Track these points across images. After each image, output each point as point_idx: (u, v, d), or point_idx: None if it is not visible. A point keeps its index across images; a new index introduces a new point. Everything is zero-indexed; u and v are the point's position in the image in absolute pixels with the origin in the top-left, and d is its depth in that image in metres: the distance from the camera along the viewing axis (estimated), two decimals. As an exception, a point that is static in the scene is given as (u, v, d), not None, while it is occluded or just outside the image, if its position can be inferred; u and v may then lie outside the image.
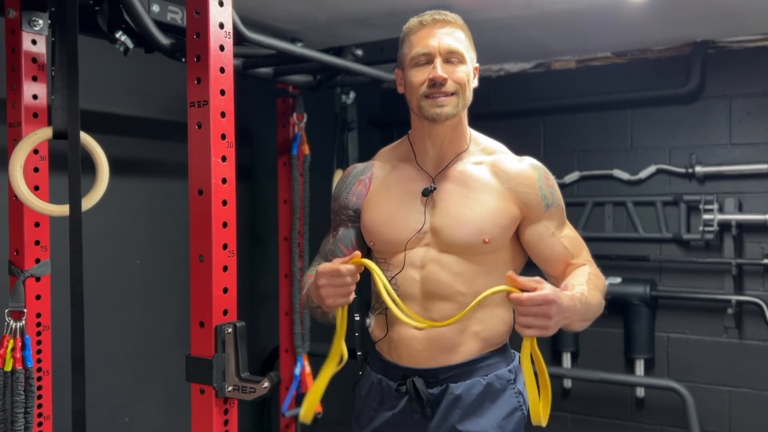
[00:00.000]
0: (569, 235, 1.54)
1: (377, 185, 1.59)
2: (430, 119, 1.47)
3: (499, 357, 1.53)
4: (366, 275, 1.42)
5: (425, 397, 1.48)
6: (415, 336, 1.50)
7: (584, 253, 1.54)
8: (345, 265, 1.35)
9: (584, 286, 1.41)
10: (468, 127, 1.57)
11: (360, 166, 1.67)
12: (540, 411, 1.35)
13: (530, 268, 1.58)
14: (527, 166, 1.52)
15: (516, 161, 1.54)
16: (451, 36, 1.46)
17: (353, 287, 1.37)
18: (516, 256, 1.56)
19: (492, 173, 1.51)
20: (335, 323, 1.47)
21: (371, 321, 1.61)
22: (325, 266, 1.38)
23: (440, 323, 1.41)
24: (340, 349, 1.46)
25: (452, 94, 1.46)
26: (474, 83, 1.52)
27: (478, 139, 1.59)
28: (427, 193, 1.51)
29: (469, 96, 1.50)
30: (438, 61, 1.44)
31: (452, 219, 1.48)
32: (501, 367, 1.52)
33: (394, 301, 1.40)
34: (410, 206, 1.52)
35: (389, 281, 1.47)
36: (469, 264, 1.48)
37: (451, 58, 1.45)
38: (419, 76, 1.46)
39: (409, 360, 1.52)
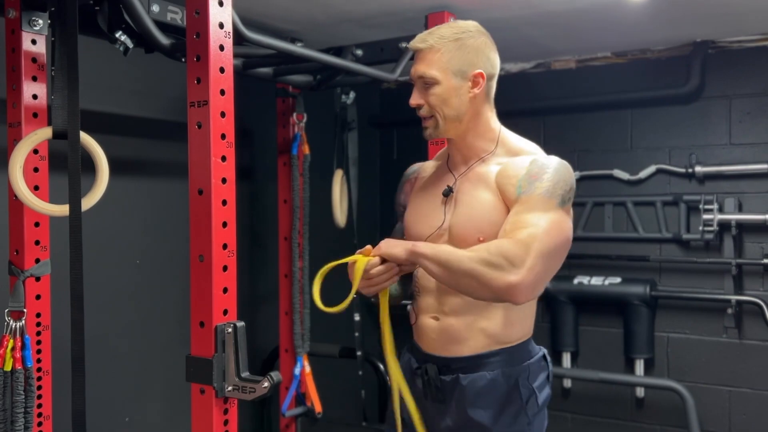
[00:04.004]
0: (524, 219, 1.45)
1: (418, 185, 1.73)
2: (425, 139, 1.62)
3: (506, 356, 1.58)
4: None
5: (436, 384, 1.60)
6: (430, 325, 1.63)
7: (520, 232, 1.42)
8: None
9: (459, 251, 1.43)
10: (495, 130, 1.62)
11: (414, 166, 1.82)
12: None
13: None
14: (528, 161, 1.52)
15: (528, 159, 1.53)
16: (425, 61, 1.56)
17: (385, 277, 1.49)
18: None
19: (497, 172, 1.55)
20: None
21: (411, 308, 1.74)
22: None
23: None
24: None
25: (430, 116, 1.58)
26: (468, 94, 1.55)
27: (507, 141, 1.62)
28: (446, 193, 1.61)
29: (451, 111, 1.56)
30: (414, 89, 1.58)
31: (461, 217, 1.57)
32: (508, 365, 1.57)
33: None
34: (434, 205, 1.64)
35: (414, 274, 1.64)
36: None
37: (424, 82, 1.56)
38: None
39: (428, 346, 1.65)
